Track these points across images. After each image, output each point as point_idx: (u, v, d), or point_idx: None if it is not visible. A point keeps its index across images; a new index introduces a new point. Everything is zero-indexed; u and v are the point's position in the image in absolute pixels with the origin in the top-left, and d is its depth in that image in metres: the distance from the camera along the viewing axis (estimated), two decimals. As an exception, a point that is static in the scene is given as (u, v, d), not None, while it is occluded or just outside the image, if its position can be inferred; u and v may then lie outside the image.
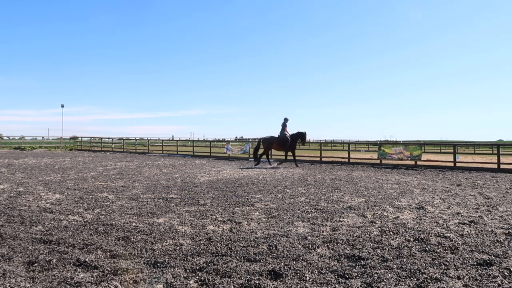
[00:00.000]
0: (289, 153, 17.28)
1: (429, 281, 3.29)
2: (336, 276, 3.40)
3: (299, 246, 4.34)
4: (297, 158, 21.54)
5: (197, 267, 3.62)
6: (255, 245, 4.36)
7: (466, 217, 6.14)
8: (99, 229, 5.11)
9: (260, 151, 17.54)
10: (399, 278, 3.35)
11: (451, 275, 3.41)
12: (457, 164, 16.75)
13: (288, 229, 5.19)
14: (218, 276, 3.39)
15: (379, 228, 5.26)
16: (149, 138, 37.84)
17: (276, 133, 17.17)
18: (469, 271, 3.53)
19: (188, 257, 3.92)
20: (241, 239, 4.66)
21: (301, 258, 3.91)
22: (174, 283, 3.22)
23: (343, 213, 6.36)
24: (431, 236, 4.85)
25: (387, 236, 4.85)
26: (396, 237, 4.81)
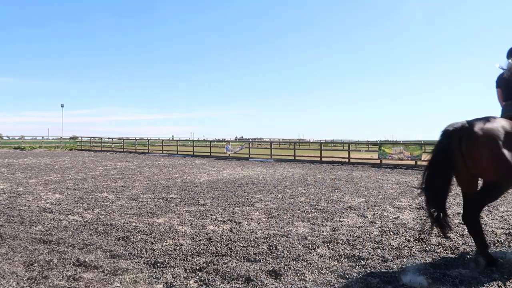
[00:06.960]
0: None
1: (430, 281, 3.28)
2: (336, 276, 3.40)
3: (299, 246, 4.33)
4: (296, 157, 21.38)
5: (197, 267, 3.61)
6: (255, 245, 4.36)
7: (466, 217, 6.12)
8: (99, 229, 5.11)
9: None
10: (400, 278, 3.34)
11: (451, 276, 3.40)
12: (457, 164, 16.73)
13: (288, 229, 5.19)
14: (218, 276, 3.39)
15: (379, 228, 5.26)
16: (149, 138, 37.83)
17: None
18: (469, 272, 3.53)
19: (188, 257, 3.91)
20: (241, 239, 4.65)
21: (301, 258, 3.90)
22: (174, 283, 3.22)
23: (343, 213, 6.35)
24: (431, 236, 4.84)
25: (387, 236, 4.84)
26: (397, 237, 4.80)
